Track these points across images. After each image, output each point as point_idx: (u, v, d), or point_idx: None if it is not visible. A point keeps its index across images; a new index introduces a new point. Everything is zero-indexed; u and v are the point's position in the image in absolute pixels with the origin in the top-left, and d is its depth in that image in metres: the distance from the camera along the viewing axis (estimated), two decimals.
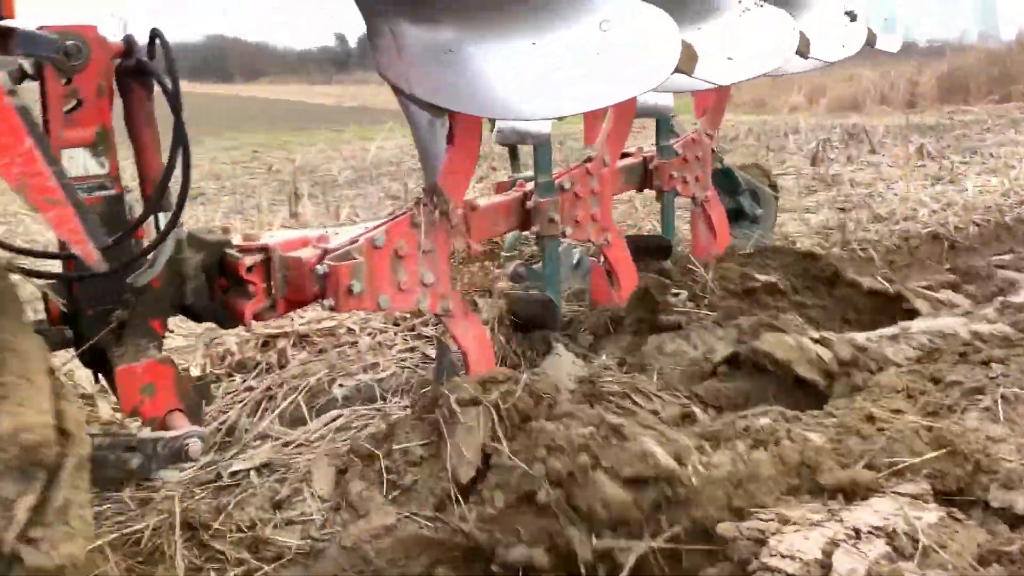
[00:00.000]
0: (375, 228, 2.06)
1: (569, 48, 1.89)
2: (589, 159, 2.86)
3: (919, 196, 5.70)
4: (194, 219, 6.18)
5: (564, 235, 2.82)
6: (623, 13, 1.88)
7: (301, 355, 3.08)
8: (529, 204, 2.70)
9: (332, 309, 1.98)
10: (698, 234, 3.70)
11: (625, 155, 3.57)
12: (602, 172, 2.86)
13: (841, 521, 1.54)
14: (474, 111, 2.02)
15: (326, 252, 2.00)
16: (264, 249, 2.02)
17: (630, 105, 2.90)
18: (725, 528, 1.58)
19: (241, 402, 2.62)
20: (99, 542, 1.78)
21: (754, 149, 9.65)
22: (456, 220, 2.17)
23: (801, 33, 2.58)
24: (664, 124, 3.43)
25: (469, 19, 1.95)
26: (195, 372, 2.94)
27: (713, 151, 3.88)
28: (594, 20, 1.87)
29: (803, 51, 2.59)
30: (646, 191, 3.70)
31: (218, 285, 1.98)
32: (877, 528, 1.52)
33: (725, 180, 4.05)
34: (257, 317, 2.03)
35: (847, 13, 3.26)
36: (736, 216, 4.24)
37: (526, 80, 1.87)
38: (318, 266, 1.94)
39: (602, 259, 3.01)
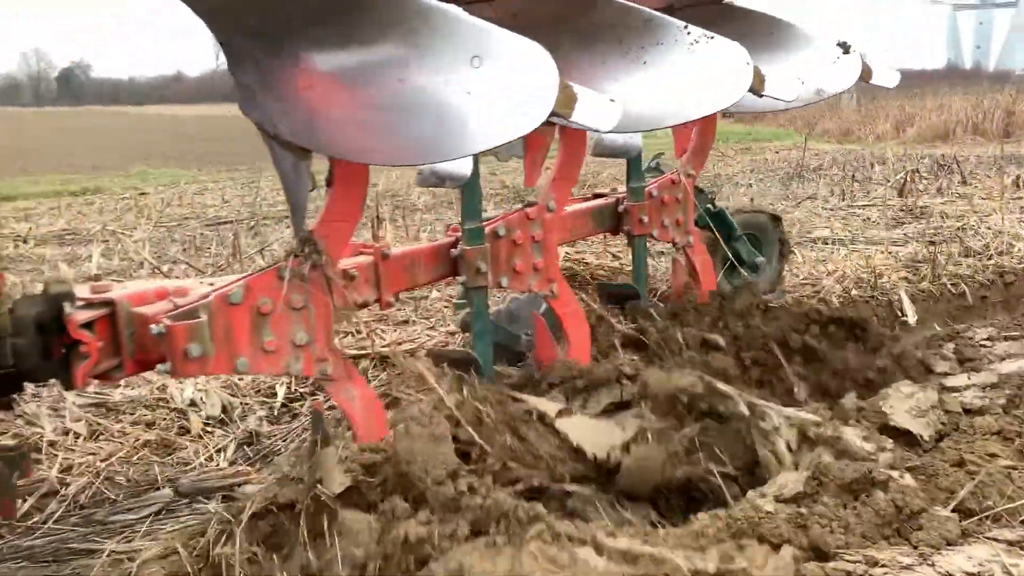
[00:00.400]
0: (233, 282, 1.85)
1: (441, 86, 1.67)
2: (530, 203, 2.61)
3: (1015, 230, 5.39)
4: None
5: (500, 286, 2.57)
6: (498, 50, 1.64)
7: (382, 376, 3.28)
8: (455, 252, 2.46)
9: (170, 374, 1.77)
10: (678, 281, 3.40)
11: (598, 195, 3.33)
12: (545, 217, 2.60)
13: (933, 566, 1.58)
14: (336, 153, 1.80)
15: (175, 308, 1.81)
16: (108, 303, 1.83)
17: (578, 145, 2.64)
18: (811, 570, 1.57)
19: None
20: None
21: (838, 179, 9.36)
22: (332, 274, 1.94)
23: (756, 68, 2.30)
24: (635, 164, 3.15)
25: (334, 53, 1.74)
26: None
27: (701, 191, 3.60)
28: (466, 56, 1.64)
29: (756, 88, 2.30)
30: None
31: (60, 343, 1.80)
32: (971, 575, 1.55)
33: (718, 224, 3.74)
34: (103, 378, 1.84)
35: (839, 44, 2.95)
36: (733, 264, 3.93)
37: (379, 121, 1.65)
38: (152, 325, 1.74)
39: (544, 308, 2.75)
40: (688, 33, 2.31)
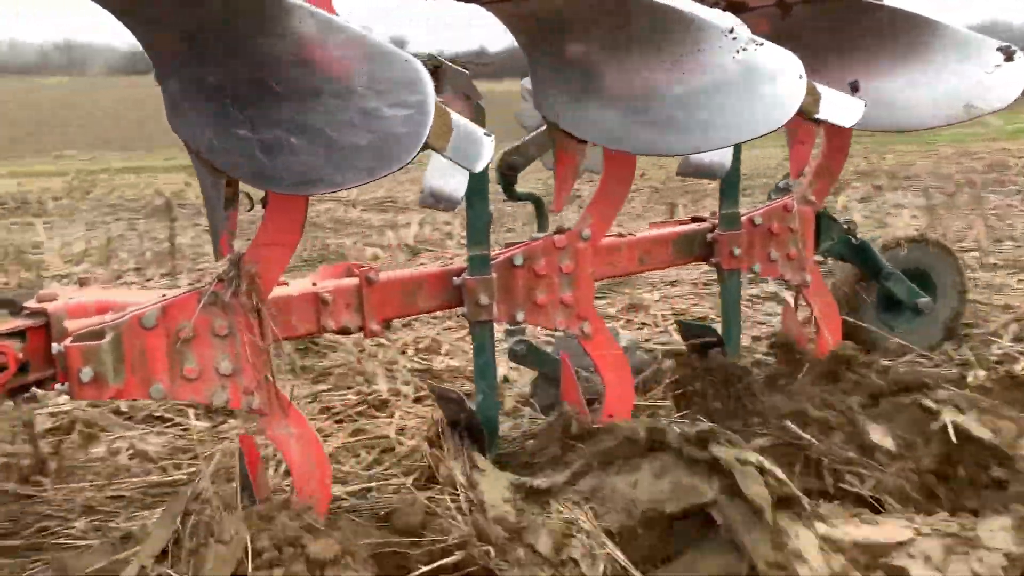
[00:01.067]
0: (152, 304, 1.77)
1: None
2: (560, 230, 2.29)
3: None
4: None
5: (516, 321, 2.29)
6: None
7: None
8: (457, 281, 2.22)
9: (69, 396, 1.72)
10: (787, 328, 2.87)
11: (697, 219, 2.90)
12: (578, 247, 2.27)
13: None
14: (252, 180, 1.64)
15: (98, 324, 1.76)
16: (42, 315, 1.83)
17: (624, 166, 2.27)
18: None
19: None
20: None
21: None
22: (261, 303, 1.79)
23: (811, 86, 1.81)
24: (728, 187, 2.68)
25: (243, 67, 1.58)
26: None
27: (833, 220, 3.02)
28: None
29: (808, 110, 1.81)
30: None
31: None
32: None
33: (861, 261, 3.13)
34: (39, 386, 1.85)
35: (1001, 49, 2.30)
36: (887, 306, 3.29)
37: None
38: (54, 344, 1.70)
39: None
40: (734, 38, 1.87)
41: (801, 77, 1.79)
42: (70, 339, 1.70)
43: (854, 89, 2.52)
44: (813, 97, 1.82)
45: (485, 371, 2.27)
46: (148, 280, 5.74)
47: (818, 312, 2.82)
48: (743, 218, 2.73)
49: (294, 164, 1.48)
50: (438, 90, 1.57)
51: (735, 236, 2.69)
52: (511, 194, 2.70)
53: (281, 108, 1.47)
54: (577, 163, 2.25)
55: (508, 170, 2.63)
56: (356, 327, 2.15)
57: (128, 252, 6.87)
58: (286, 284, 2.14)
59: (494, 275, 2.20)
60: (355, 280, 2.13)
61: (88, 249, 7.05)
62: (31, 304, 1.87)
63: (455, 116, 1.37)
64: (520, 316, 2.28)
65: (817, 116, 1.84)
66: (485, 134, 1.36)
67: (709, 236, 2.71)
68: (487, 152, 1.35)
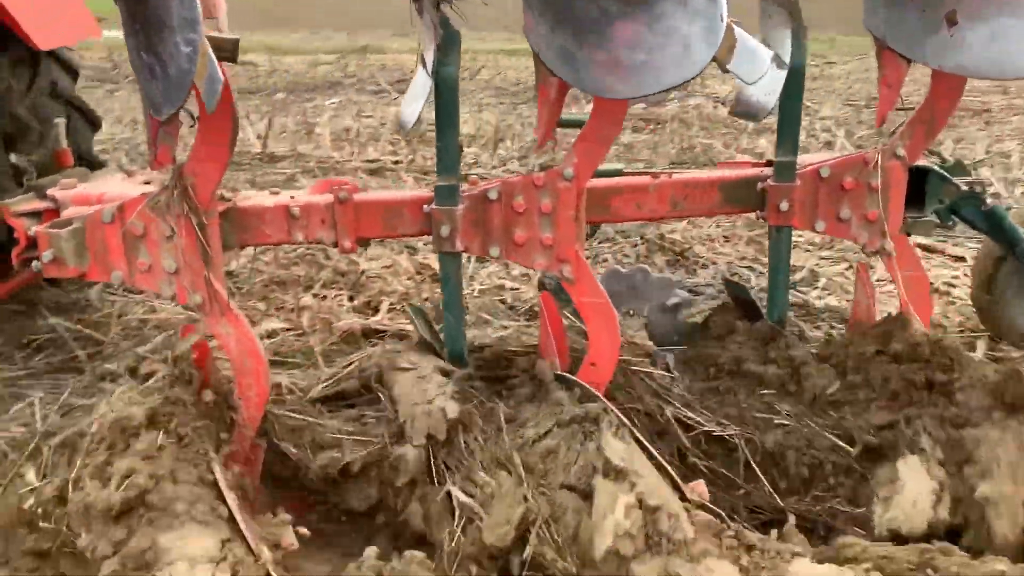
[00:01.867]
0: (120, 202, 2.01)
1: None
2: (543, 167, 2.16)
3: None
4: None
5: (489, 256, 2.23)
6: None
7: None
8: (426, 209, 2.21)
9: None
10: (858, 301, 2.47)
11: (771, 163, 2.55)
12: (559, 186, 2.14)
13: None
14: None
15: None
16: (54, 200, 2.17)
17: (614, 105, 2.05)
18: None
19: None
20: None
21: None
22: (197, 211, 1.96)
23: (730, 30, 1.50)
24: (786, 132, 2.30)
25: None
26: None
27: (945, 180, 2.50)
28: None
29: (721, 59, 1.50)
30: None
31: None
32: None
33: (989, 229, 2.55)
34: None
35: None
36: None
37: None
38: (31, 227, 2.02)
39: None
40: None
41: (723, 20, 1.49)
42: (42, 225, 2.01)
43: (950, 22, 2.02)
44: (729, 44, 1.50)
45: (450, 302, 2.27)
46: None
47: (902, 288, 2.38)
48: (807, 168, 2.35)
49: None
50: None
51: (786, 188, 2.34)
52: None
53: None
54: (554, 99, 2.07)
55: None
56: (330, 242, 2.26)
57: (513, 137, 7.04)
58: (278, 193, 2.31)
59: (460, 207, 2.16)
60: (329, 197, 2.22)
61: (477, 133, 7.20)
62: (53, 191, 2.21)
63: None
64: (495, 252, 2.23)
65: (727, 67, 1.52)
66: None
67: (759, 185, 2.38)
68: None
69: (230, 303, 2.06)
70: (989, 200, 2.50)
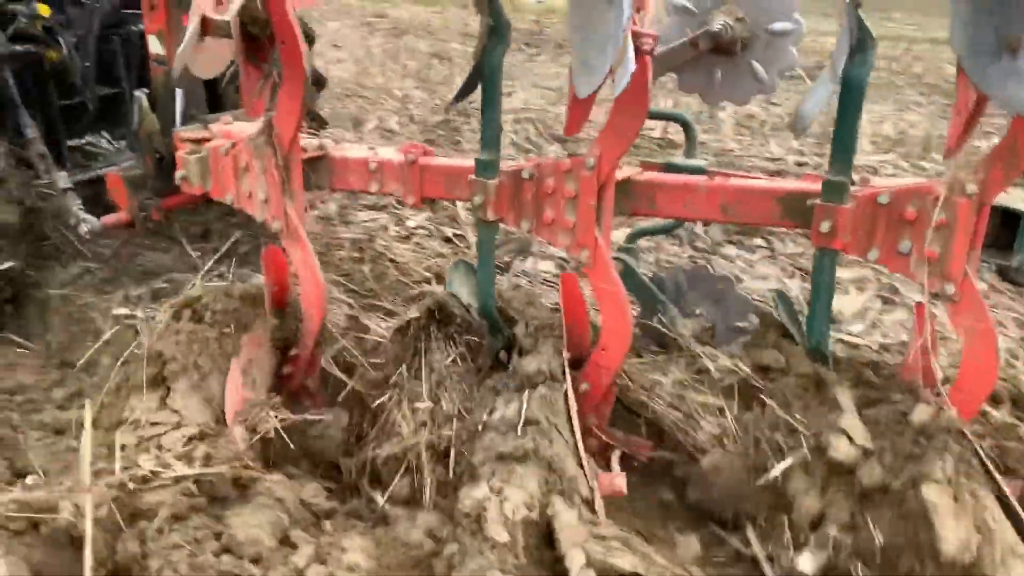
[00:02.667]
0: (237, 140, 2.54)
1: None
2: (571, 155, 2.28)
3: None
4: None
5: (524, 230, 2.42)
6: None
7: None
8: (469, 179, 2.44)
9: None
10: (913, 348, 2.25)
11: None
12: (582, 174, 2.25)
13: None
14: None
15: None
16: (206, 131, 2.78)
17: (636, 96, 2.10)
18: None
19: None
20: None
21: None
22: (280, 154, 2.41)
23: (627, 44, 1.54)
24: (838, 150, 2.14)
25: None
26: None
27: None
28: None
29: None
30: None
31: None
32: None
33: None
34: None
35: None
36: None
37: None
38: (181, 153, 2.62)
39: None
40: None
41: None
42: (184, 152, 2.61)
43: (1012, 49, 1.78)
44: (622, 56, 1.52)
45: (484, 265, 2.50)
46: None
47: (965, 344, 2.13)
48: (865, 192, 2.18)
49: None
50: None
51: (831, 209, 2.19)
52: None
53: None
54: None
55: None
56: (399, 196, 2.61)
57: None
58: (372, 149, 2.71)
59: (495, 181, 2.38)
60: (402, 157, 2.56)
61: (900, 138, 6.25)
62: (213, 125, 2.82)
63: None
64: (526, 226, 2.41)
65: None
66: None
67: (808, 201, 2.26)
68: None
69: (300, 231, 2.51)
70: None
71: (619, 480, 2.08)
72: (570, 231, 2.33)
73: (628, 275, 2.80)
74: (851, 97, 2.13)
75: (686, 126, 2.68)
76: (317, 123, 3.87)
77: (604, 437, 2.49)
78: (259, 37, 2.34)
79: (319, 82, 4.02)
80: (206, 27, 2.09)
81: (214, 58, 2.24)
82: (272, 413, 2.26)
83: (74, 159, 3.56)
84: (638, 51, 1.87)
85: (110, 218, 3.03)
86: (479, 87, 2.35)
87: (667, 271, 2.99)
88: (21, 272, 3.13)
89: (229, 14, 2.04)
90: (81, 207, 3.07)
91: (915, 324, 2.25)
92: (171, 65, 2.76)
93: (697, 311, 2.77)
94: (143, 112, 2.91)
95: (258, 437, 2.21)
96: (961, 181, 2.06)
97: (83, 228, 3.03)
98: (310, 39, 3.91)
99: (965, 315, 2.12)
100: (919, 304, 2.29)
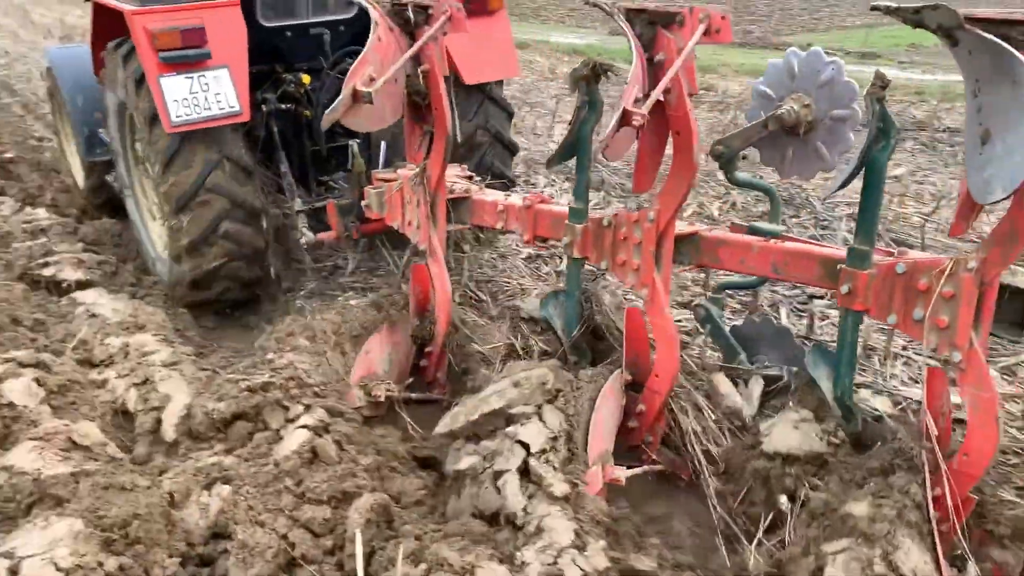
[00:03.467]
0: (400, 179, 3.34)
1: None
2: (639, 207, 2.78)
3: None
4: None
5: (601, 268, 2.94)
6: None
7: None
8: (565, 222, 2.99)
9: None
10: (924, 407, 2.44)
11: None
12: (645, 226, 2.73)
13: None
14: None
15: None
16: (395, 174, 3.62)
17: (685, 157, 2.56)
18: None
19: None
20: None
21: None
22: (426, 194, 3.15)
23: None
24: (864, 219, 2.42)
25: None
26: None
27: None
28: None
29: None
30: None
31: None
32: None
33: None
34: None
35: None
36: None
37: None
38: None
39: None
40: None
41: None
42: (369, 187, 3.45)
43: (983, 141, 2.05)
44: None
45: (569, 294, 3.04)
46: None
47: (969, 411, 2.32)
48: (886, 261, 2.44)
49: None
50: None
51: (853, 274, 2.47)
52: (731, 180, 3.04)
53: None
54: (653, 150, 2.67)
55: (716, 157, 3.01)
56: (519, 233, 3.24)
57: None
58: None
59: (581, 226, 2.92)
60: (520, 201, 3.20)
61: None
62: (399, 169, 3.64)
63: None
64: (604, 265, 2.93)
65: None
66: None
67: (838, 265, 2.55)
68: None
69: (439, 253, 3.22)
70: None
71: (620, 472, 2.50)
72: (635, 272, 2.82)
73: (707, 321, 3.19)
74: (874, 177, 2.43)
75: (770, 195, 3.04)
76: (508, 182, 4.56)
77: (654, 455, 2.90)
78: (420, 104, 3.12)
79: (512, 148, 4.67)
80: (356, 96, 2.88)
81: (371, 118, 3.03)
82: (384, 385, 2.98)
83: (319, 191, 4.61)
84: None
85: (323, 235, 3.96)
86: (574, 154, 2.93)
87: (746, 321, 3.32)
88: (277, 278, 4.15)
89: (373, 88, 2.81)
90: (305, 225, 4.04)
91: (925, 389, 2.44)
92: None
93: (760, 359, 3.07)
94: (355, 157, 3.82)
95: (369, 400, 2.94)
96: (964, 258, 2.28)
97: (303, 240, 3.99)
98: (508, 112, 4.61)
99: (970, 383, 2.30)
100: (931, 368, 2.47)
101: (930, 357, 3.44)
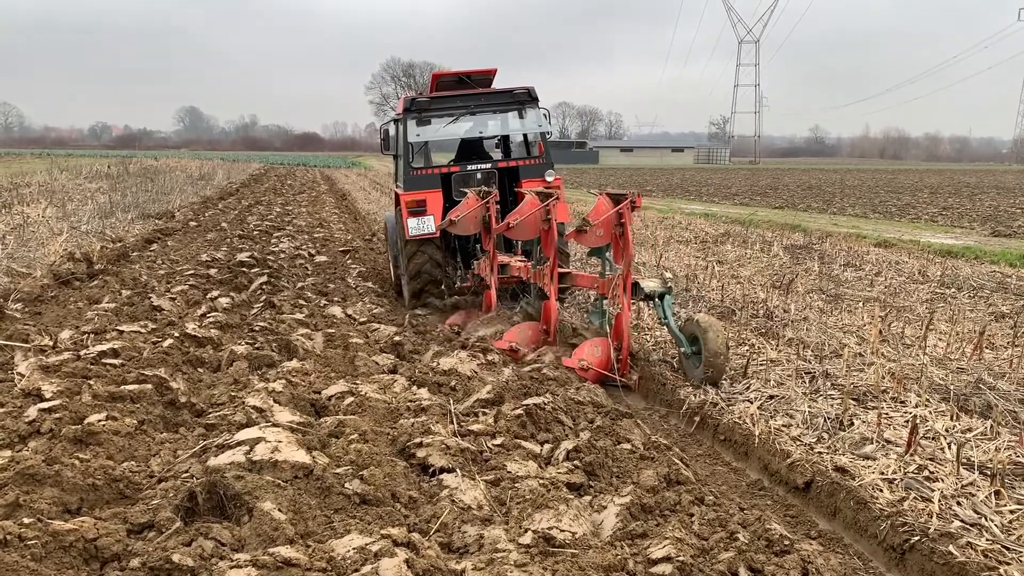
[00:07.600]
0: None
1: None
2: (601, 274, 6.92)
3: None
4: None
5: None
6: None
7: None
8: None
9: None
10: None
11: None
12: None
13: None
14: None
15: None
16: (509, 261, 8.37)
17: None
18: None
19: None
20: None
21: None
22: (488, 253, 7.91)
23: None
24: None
25: None
26: None
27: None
28: None
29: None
30: None
31: None
32: None
33: None
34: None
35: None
36: None
37: None
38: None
39: None
40: None
41: None
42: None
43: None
44: None
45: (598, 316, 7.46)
46: None
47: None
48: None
49: None
50: None
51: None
52: None
53: None
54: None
55: None
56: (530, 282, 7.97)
57: None
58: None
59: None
60: (527, 265, 7.85)
61: None
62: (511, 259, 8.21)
63: None
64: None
65: None
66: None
67: None
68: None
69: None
70: None
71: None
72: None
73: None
74: None
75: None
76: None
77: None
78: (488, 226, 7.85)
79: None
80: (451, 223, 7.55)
81: (465, 227, 7.61)
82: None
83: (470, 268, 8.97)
84: None
85: (462, 284, 8.80)
86: None
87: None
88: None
89: (458, 217, 7.46)
90: (460, 278, 8.85)
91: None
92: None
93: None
94: (484, 253, 8.37)
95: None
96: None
97: (456, 284, 8.91)
98: (564, 253, 9.05)
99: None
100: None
101: None
